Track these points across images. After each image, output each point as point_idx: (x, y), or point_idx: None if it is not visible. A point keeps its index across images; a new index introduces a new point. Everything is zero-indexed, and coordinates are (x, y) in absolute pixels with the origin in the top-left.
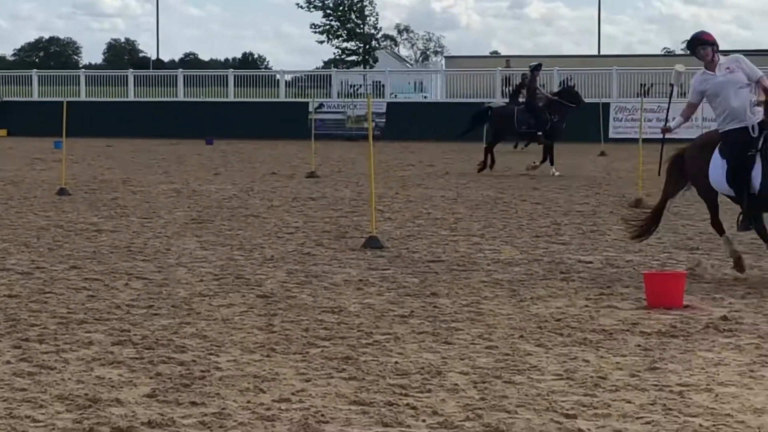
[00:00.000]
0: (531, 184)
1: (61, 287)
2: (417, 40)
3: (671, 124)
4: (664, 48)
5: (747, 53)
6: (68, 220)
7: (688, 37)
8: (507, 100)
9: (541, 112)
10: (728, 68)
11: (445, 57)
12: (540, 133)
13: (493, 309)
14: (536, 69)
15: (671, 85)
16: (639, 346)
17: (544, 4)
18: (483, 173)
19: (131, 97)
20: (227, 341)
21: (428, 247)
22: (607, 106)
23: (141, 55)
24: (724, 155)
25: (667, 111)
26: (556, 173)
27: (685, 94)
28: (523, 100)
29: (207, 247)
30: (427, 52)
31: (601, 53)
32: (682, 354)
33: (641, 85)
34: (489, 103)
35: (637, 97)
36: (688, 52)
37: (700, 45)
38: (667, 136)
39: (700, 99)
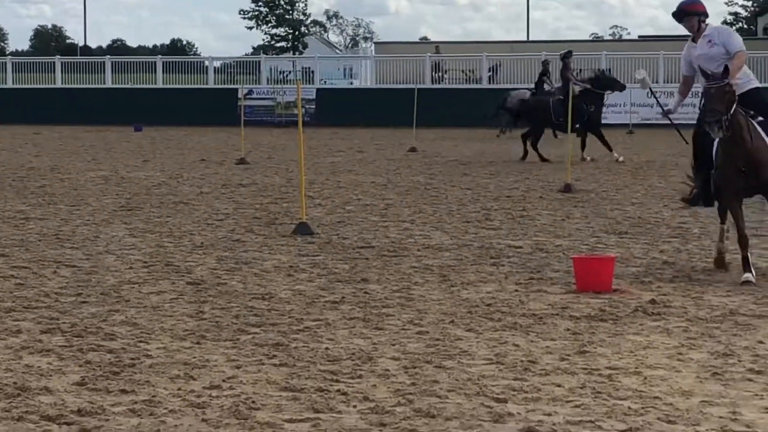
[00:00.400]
0: (461, 170)
1: None
2: (346, 26)
3: (670, 106)
4: (593, 33)
5: (676, 38)
6: None
7: (674, 7)
8: (532, 89)
9: (577, 102)
10: (710, 41)
11: (375, 43)
12: (578, 125)
13: (423, 294)
14: (566, 57)
15: (650, 90)
16: (568, 330)
17: None
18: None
19: (59, 84)
20: (157, 328)
21: (359, 233)
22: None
23: (68, 41)
24: None
25: (658, 102)
26: (621, 159)
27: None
28: (549, 88)
29: (136, 234)
30: (357, 38)
31: (530, 39)
32: (611, 338)
33: None
34: (509, 93)
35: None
36: (675, 19)
37: (686, 15)
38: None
39: (692, 71)
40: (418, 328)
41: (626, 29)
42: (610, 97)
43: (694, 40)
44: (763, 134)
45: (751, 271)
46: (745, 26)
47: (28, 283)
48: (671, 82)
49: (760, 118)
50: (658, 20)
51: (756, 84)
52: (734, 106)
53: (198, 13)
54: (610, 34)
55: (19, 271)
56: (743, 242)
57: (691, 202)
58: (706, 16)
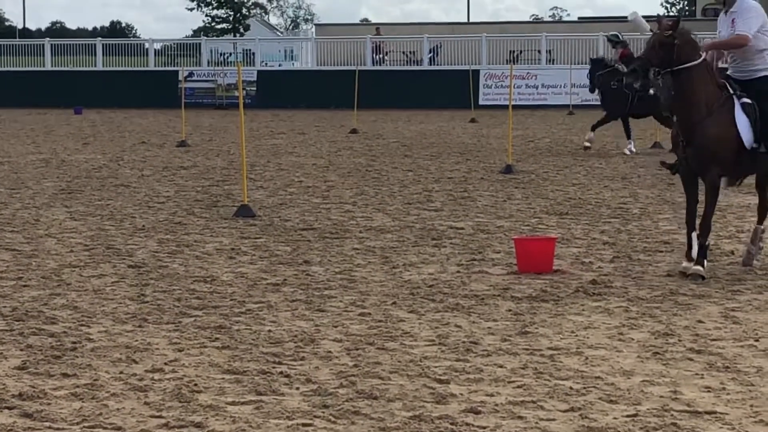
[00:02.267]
0: (402, 151)
1: None
2: (287, 7)
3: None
4: (533, 15)
5: (614, 19)
6: None
7: None
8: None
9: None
10: (733, 20)
11: (316, 25)
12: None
13: (365, 276)
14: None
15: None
16: (510, 311)
17: None
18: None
19: None
20: (99, 312)
21: (300, 215)
22: (476, 73)
23: (7, 24)
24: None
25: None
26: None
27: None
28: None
29: (77, 217)
30: (298, 20)
31: (470, 20)
32: (553, 318)
33: (510, 51)
34: None
35: (506, 63)
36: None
37: None
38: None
39: None
40: (360, 309)
41: (566, 11)
42: (552, 78)
43: (725, 12)
44: (736, 115)
45: (703, 264)
46: (686, 7)
47: None
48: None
49: (746, 100)
50: (596, 1)
51: None
52: (677, 63)
53: None
54: (549, 16)
55: None
56: (702, 228)
57: (672, 168)
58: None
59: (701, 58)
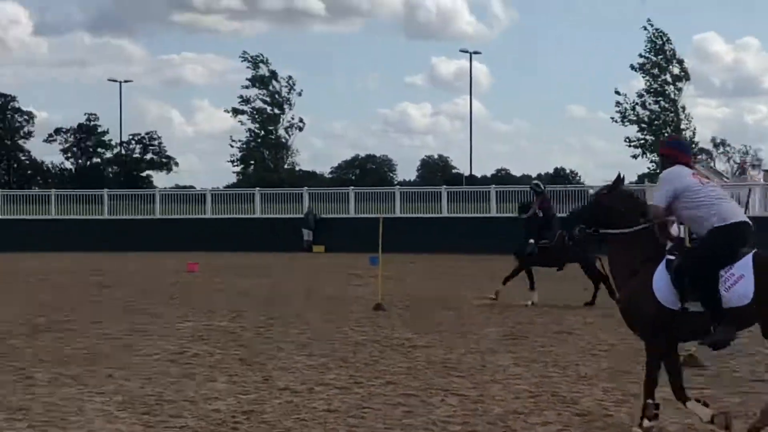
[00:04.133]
0: None
1: (378, 403)
2: (733, 153)
3: None
4: None
5: None
6: (384, 335)
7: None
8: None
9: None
10: None
11: (764, 170)
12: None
13: None
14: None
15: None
16: None
17: None
18: None
19: (444, 213)
20: None
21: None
22: None
23: (454, 171)
24: None
25: None
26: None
27: None
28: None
29: (521, 363)
30: (744, 166)
31: None
32: None
33: None
34: None
35: None
36: None
37: None
38: None
39: None
40: None
41: None
42: None
43: None
44: (655, 274)
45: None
46: None
47: (417, 411)
48: None
49: (670, 257)
50: None
51: (716, 225)
52: (605, 224)
53: (576, 140)
54: None
55: (407, 398)
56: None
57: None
58: (662, 159)
59: (633, 227)
